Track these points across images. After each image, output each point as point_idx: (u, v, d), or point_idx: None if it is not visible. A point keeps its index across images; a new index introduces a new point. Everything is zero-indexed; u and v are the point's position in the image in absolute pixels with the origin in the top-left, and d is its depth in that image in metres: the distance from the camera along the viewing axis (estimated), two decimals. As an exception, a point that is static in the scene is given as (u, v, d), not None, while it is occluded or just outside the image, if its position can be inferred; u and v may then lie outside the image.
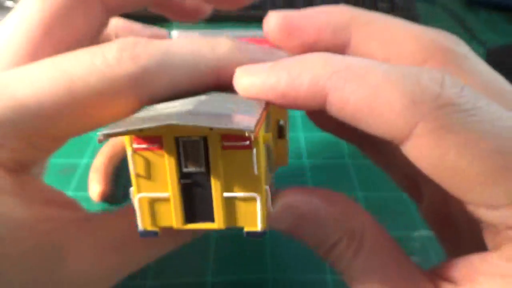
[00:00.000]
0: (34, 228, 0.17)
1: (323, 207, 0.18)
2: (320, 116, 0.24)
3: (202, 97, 0.18)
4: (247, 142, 0.16)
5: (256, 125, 0.14)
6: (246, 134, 0.14)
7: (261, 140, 0.16)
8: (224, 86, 0.19)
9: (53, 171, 0.33)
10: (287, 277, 0.26)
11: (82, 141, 0.36)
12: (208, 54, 0.18)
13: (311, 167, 0.35)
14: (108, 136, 0.15)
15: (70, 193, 0.31)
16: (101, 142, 0.15)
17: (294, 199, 0.18)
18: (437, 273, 0.17)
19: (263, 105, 0.17)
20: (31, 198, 0.18)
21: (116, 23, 0.30)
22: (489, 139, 0.14)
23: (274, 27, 0.21)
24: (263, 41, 0.22)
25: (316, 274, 0.26)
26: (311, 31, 0.20)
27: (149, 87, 0.17)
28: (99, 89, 0.17)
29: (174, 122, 0.14)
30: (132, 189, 0.17)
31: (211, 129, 0.14)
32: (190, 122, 0.14)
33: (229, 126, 0.14)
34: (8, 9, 0.50)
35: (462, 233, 0.19)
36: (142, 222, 0.17)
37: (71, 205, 0.20)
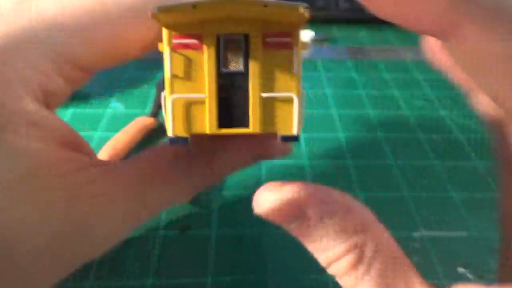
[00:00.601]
0: (58, 167, 0.16)
1: (336, 209, 0.15)
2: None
3: None
4: (288, 39, 0.16)
5: (307, 7, 0.14)
6: (300, 10, 0.14)
7: (299, 41, 0.16)
8: None
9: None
10: (287, 277, 0.26)
11: (83, 141, 0.36)
12: None
13: (311, 167, 0.35)
14: (160, 10, 0.14)
15: (70, 193, 0.31)
16: (153, 17, 0.14)
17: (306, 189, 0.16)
18: None
19: None
20: (55, 136, 0.17)
21: None
22: None
23: None
24: None
25: (316, 274, 0.26)
26: None
27: None
28: (130, 9, 0.16)
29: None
30: (165, 93, 0.16)
31: (265, 5, 0.14)
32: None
33: (282, 2, 0.14)
34: None
35: None
36: (174, 127, 0.16)
37: (87, 148, 0.20)
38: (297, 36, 0.16)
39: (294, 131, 0.16)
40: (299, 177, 0.34)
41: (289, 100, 0.16)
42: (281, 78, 0.16)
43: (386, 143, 0.38)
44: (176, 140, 0.16)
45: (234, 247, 0.28)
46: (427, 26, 0.14)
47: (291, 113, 0.16)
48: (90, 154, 0.20)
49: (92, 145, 0.36)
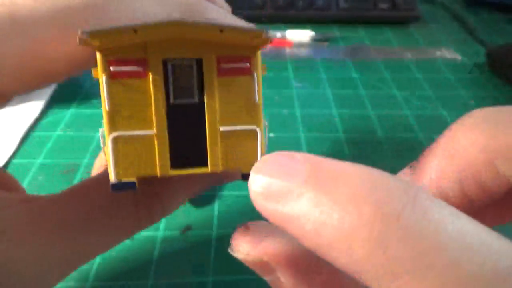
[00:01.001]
0: None
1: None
2: None
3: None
4: (247, 64, 0.14)
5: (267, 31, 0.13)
6: (263, 36, 0.12)
7: (259, 65, 0.14)
8: None
9: (54, 171, 0.33)
10: (288, 277, 0.26)
11: (84, 142, 0.36)
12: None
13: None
14: (92, 36, 0.12)
15: (71, 193, 0.31)
16: (82, 43, 0.12)
17: None
18: None
19: None
20: None
21: None
22: None
23: None
24: None
25: (316, 274, 0.26)
26: None
27: (109, 16, 0.14)
28: (50, 18, 0.13)
29: (179, 19, 0.12)
30: (103, 129, 0.14)
31: (221, 30, 0.12)
32: (199, 20, 0.12)
33: (243, 25, 0.12)
34: None
35: None
36: (117, 171, 0.14)
37: (12, 186, 0.17)
38: (256, 60, 0.14)
39: None
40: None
41: (251, 133, 0.14)
42: (241, 109, 0.14)
43: (386, 143, 0.38)
44: (120, 186, 0.14)
45: (234, 247, 0.28)
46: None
47: (254, 147, 0.14)
48: (15, 189, 0.17)
49: (92, 146, 0.36)
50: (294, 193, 0.12)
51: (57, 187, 0.31)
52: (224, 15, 0.18)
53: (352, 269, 0.11)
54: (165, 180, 0.17)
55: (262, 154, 0.14)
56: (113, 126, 0.13)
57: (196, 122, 0.14)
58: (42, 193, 0.30)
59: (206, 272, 0.26)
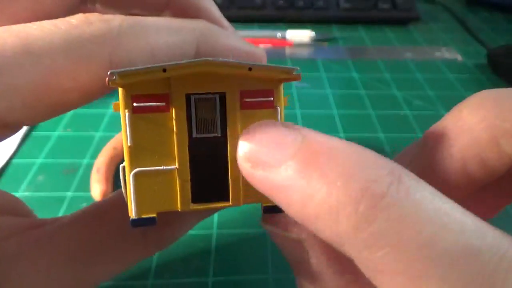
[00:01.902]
0: None
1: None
2: None
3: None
4: (271, 98, 0.13)
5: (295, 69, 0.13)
6: (294, 73, 0.12)
7: (282, 98, 0.14)
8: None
9: (55, 171, 0.33)
10: (288, 277, 0.26)
11: (84, 141, 0.36)
12: (184, 22, 0.16)
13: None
14: (121, 76, 0.12)
15: (71, 193, 0.31)
16: (110, 83, 0.12)
17: None
18: None
19: None
20: None
21: None
22: None
23: None
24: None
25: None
26: None
27: (123, 50, 0.14)
28: (64, 48, 0.13)
29: (211, 58, 0.12)
30: (124, 165, 0.13)
31: (250, 69, 0.12)
32: (228, 60, 0.12)
33: (272, 65, 0.12)
34: None
35: None
36: (138, 208, 0.13)
37: (21, 211, 0.17)
38: (279, 93, 0.14)
39: None
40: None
41: None
42: None
43: (386, 143, 0.38)
44: (141, 222, 0.13)
45: (234, 247, 0.28)
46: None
47: None
48: (28, 215, 0.17)
49: (93, 145, 0.36)
50: (283, 163, 0.12)
51: (57, 187, 0.31)
52: (234, 40, 0.18)
53: (336, 240, 0.11)
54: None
55: None
56: (135, 162, 0.13)
57: (219, 155, 0.14)
58: (42, 193, 0.31)
59: (206, 272, 0.26)
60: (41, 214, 0.21)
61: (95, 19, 0.14)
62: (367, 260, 0.11)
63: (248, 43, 0.19)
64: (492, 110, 0.14)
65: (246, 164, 0.12)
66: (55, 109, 0.14)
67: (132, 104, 0.13)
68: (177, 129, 0.13)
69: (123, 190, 0.14)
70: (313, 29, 0.55)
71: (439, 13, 0.67)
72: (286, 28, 0.56)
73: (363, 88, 0.46)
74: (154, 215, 0.13)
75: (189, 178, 0.13)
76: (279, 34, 0.55)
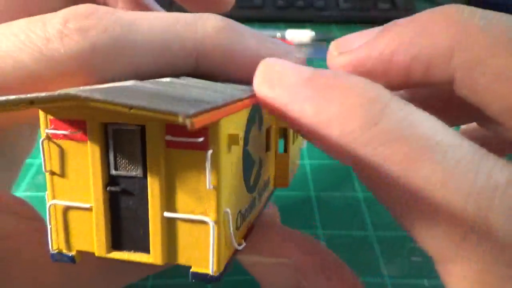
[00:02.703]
0: None
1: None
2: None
3: (166, 80, 0.13)
4: (201, 139, 0.11)
5: (202, 112, 0.09)
6: (180, 120, 0.09)
7: (223, 138, 0.11)
8: (207, 72, 0.15)
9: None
10: (288, 277, 0.26)
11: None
12: (184, 32, 0.14)
13: (312, 169, 0.35)
14: None
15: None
16: None
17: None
18: None
19: (247, 94, 0.13)
20: None
21: None
22: None
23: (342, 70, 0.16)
24: None
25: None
26: (396, 72, 0.14)
27: (102, 70, 0.13)
28: (34, 70, 0.13)
29: (79, 93, 0.09)
30: (47, 193, 0.12)
31: (130, 108, 0.09)
32: (102, 96, 0.09)
33: (155, 106, 0.09)
34: None
35: None
36: (55, 241, 0.12)
37: (28, 213, 0.17)
38: (217, 131, 0.11)
39: (211, 269, 0.11)
40: (302, 178, 0.34)
41: (204, 226, 0.11)
42: (192, 192, 0.11)
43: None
44: (58, 257, 0.12)
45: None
46: None
47: (206, 242, 0.11)
48: (36, 219, 0.17)
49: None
50: (300, 82, 0.12)
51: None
52: (252, 39, 0.16)
53: (343, 140, 0.12)
54: None
55: (218, 252, 0.11)
56: (51, 193, 0.12)
57: (139, 199, 0.12)
58: (42, 193, 0.30)
59: (206, 272, 0.26)
60: (41, 214, 0.21)
61: (72, 28, 0.13)
62: (371, 155, 0.11)
63: (274, 42, 0.18)
64: (458, 22, 0.14)
65: (264, 85, 0.13)
66: (19, 121, 0.14)
67: (47, 130, 0.12)
68: (92, 162, 0.11)
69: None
70: (313, 29, 0.55)
71: (439, 13, 0.67)
72: (286, 28, 0.56)
73: (363, 88, 0.46)
74: (73, 253, 0.12)
75: (104, 220, 0.12)
76: (279, 34, 0.55)
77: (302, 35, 0.55)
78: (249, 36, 0.16)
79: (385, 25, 0.15)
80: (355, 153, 0.12)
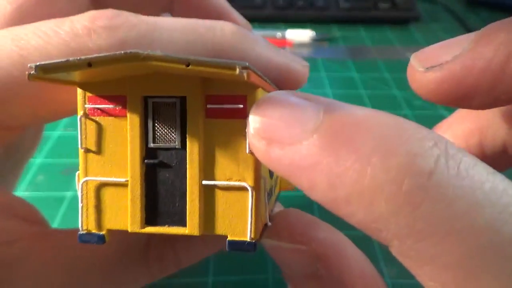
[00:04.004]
0: None
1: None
2: None
3: None
4: (241, 105, 0.11)
5: (253, 70, 0.10)
6: (237, 72, 0.09)
7: None
8: None
9: (54, 171, 0.33)
10: (288, 277, 0.26)
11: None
12: (205, 34, 0.15)
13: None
14: (41, 69, 0.10)
15: (71, 193, 0.31)
16: (30, 77, 0.10)
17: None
18: None
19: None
20: None
21: None
22: None
23: (431, 88, 0.14)
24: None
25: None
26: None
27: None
28: (60, 55, 0.13)
29: (136, 50, 0.10)
30: (79, 172, 0.12)
31: (187, 65, 0.10)
32: (159, 52, 0.10)
33: (212, 60, 0.10)
34: None
35: None
36: (85, 221, 0.12)
37: (31, 216, 0.17)
38: (253, 100, 0.11)
39: (248, 235, 0.11)
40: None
41: (242, 192, 0.11)
42: (230, 160, 0.11)
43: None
44: (87, 238, 0.12)
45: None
46: None
47: (244, 209, 0.11)
48: (38, 224, 0.17)
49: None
50: (304, 139, 0.10)
51: (57, 187, 0.31)
52: (265, 47, 0.16)
53: (371, 226, 0.10)
54: None
55: (255, 219, 0.11)
56: (84, 170, 0.12)
57: (178, 171, 0.12)
58: (42, 193, 0.31)
59: (206, 272, 0.26)
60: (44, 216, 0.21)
61: (101, 25, 0.13)
62: (409, 250, 0.09)
63: (284, 52, 0.17)
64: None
65: (259, 143, 0.10)
66: (57, 112, 0.14)
67: (86, 105, 0.12)
68: (131, 136, 0.12)
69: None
70: (313, 29, 0.55)
71: (440, 13, 0.67)
72: (286, 28, 0.56)
73: (363, 88, 0.46)
74: (103, 232, 0.12)
75: (141, 194, 0.12)
76: (279, 34, 0.55)
77: (302, 35, 0.55)
78: (261, 43, 0.16)
79: (481, 30, 0.12)
80: (386, 243, 0.10)
